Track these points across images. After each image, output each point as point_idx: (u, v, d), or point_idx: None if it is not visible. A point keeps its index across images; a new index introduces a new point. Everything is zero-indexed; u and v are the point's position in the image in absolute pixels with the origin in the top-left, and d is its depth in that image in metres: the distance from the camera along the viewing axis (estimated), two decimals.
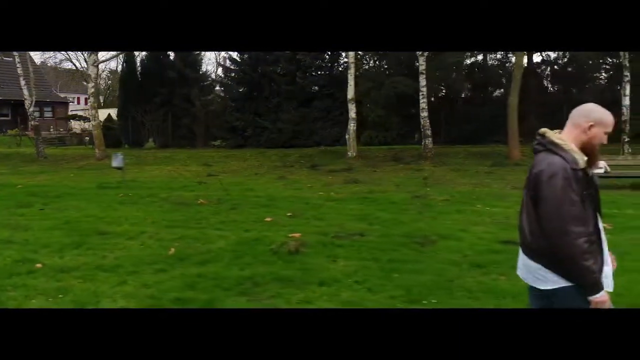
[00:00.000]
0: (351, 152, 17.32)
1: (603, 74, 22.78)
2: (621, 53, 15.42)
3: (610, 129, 2.20)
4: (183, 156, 20.11)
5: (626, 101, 15.29)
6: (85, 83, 50.32)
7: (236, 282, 4.49)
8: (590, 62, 22.79)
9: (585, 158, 2.14)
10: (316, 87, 22.56)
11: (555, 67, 23.44)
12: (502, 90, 25.48)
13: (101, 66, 53.69)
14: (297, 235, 6.24)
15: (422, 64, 16.58)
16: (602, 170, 9.51)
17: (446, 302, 3.96)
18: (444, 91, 23.11)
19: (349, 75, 17.32)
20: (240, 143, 23.20)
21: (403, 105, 21.37)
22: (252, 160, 18.51)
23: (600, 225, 2.22)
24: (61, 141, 31.27)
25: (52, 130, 34.53)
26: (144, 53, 26.12)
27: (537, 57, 23.27)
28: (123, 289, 4.38)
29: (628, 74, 15.28)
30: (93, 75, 19.36)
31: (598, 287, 2.10)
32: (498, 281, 4.45)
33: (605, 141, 2.20)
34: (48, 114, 35.50)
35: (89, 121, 26.88)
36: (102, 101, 53.04)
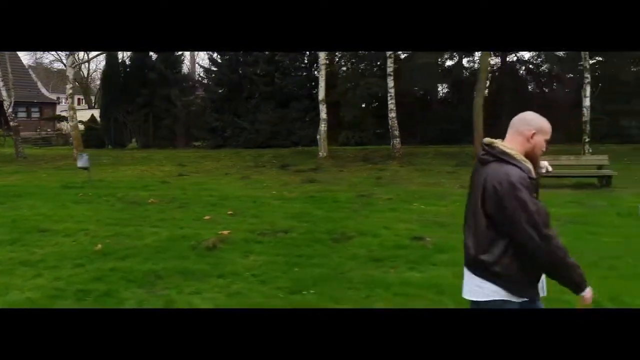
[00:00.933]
0: (322, 153, 17.64)
1: (576, 74, 23.08)
2: (582, 55, 15.73)
3: (549, 136, 2.24)
4: (160, 156, 20.39)
5: (587, 102, 15.60)
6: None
7: (142, 275, 4.80)
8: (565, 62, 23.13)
9: (531, 166, 2.17)
10: (295, 88, 22.81)
11: (530, 66, 23.77)
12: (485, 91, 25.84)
13: (92, 66, 54.21)
14: (226, 232, 6.55)
15: (390, 65, 16.89)
16: (543, 170, 9.83)
17: (325, 292, 4.28)
18: (420, 92, 23.38)
19: (320, 77, 17.62)
20: (220, 143, 23.49)
21: (378, 106, 21.66)
22: (226, 160, 18.80)
23: None
24: (47, 141, 31.49)
25: (39, 130, 34.75)
26: (126, 54, 26.44)
27: (511, 57, 23.57)
28: (35, 282, 4.69)
29: (589, 75, 15.61)
30: (71, 77, 19.61)
31: (586, 283, 2.12)
32: (387, 274, 4.77)
33: (545, 148, 2.25)
34: (35, 115, 35.70)
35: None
36: (93, 102, 53.27)
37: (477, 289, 2.19)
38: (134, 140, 26.76)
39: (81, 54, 36.49)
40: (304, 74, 22.65)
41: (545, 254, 2.04)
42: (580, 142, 15.60)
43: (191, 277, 4.72)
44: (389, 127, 17.30)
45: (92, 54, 34.01)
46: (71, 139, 30.30)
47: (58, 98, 51.06)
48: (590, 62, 15.59)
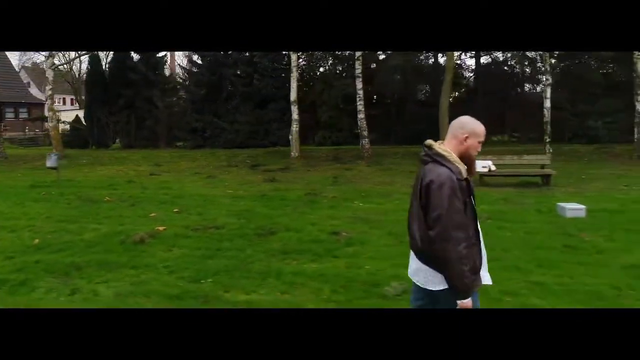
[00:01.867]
0: (294, 153, 18.02)
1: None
2: (542, 57, 16.12)
3: (482, 138, 2.38)
4: (139, 157, 20.75)
5: (547, 103, 16.00)
6: (68, 83, 50.69)
7: (63, 267, 5.18)
8: (539, 63, 23.55)
9: (464, 168, 2.31)
10: (273, 89, 23.18)
11: (505, 67, 24.19)
12: (459, 91, 26.28)
13: (84, 67, 54.52)
14: (161, 228, 6.95)
15: (357, 67, 17.26)
16: (486, 170, 10.27)
17: (221, 280, 4.67)
18: (396, 93, 23.78)
19: (291, 78, 18.01)
20: (200, 143, 23.86)
21: (355, 106, 22.04)
22: (202, 160, 19.17)
23: (479, 227, 2.43)
24: (33, 142, 31.83)
25: (27, 130, 35.09)
26: (109, 56, 26.77)
27: (486, 59, 23.99)
28: None
29: (549, 77, 16.00)
30: (50, 78, 19.96)
31: (468, 293, 2.26)
32: (287, 265, 5.16)
33: (479, 149, 2.40)
34: (23, 115, 36.02)
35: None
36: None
37: (430, 279, 2.36)
38: (117, 140, 27.13)
39: (70, 55, 36.94)
40: (282, 75, 22.99)
41: (441, 250, 2.21)
42: (542, 142, 16.00)
43: (106, 268, 5.10)
44: (358, 127, 17.66)
45: (74, 55, 34.41)
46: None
47: (52, 98, 51.43)
48: (552, 61, 15.92)
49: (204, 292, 4.35)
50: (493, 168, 10.32)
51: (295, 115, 18.07)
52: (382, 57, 24.17)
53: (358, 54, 17.21)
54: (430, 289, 2.37)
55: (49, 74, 19.95)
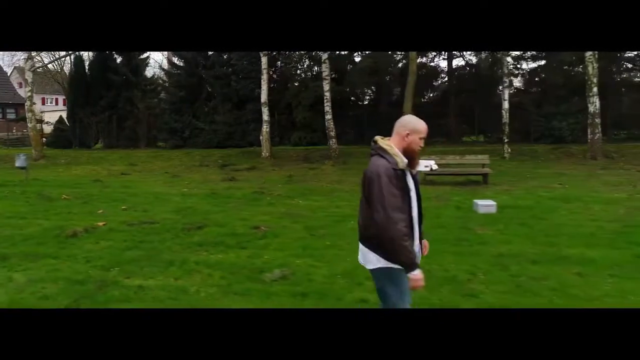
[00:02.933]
0: (265, 153, 18.52)
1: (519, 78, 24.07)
2: (503, 61, 16.65)
3: (423, 135, 2.60)
4: (116, 157, 21.24)
5: (505, 105, 16.53)
6: (59, 84, 51.04)
7: None
8: (511, 65, 24.08)
9: (406, 160, 2.56)
10: (252, 90, 23.64)
11: (474, 70, 24.73)
12: (434, 93, 26.82)
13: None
14: (101, 223, 7.46)
15: (324, 70, 17.76)
16: (427, 169, 10.80)
17: (127, 269, 5.17)
18: (371, 94, 24.32)
19: (262, 81, 18.50)
20: (180, 144, 24.35)
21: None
22: (176, 160, 19.68)
23: (415, 215, 2.62)
24: (20, 141, 32.27)
25: (15, 130, 35.53)
26: (91, 57, 27.22)
27: (459, 61, 24.52)
28: None
29: (507, 80, 16.54)
30: (30, 80, 20.43)
31: (415, 265, 2.49)
32: (194, 255, 5.65)
33: (422, 144, 2.61)
34: (11, 115, 36.50)
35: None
36: None
37: (370, 259, 2.59)
38: (100, 141, 27.60)
39: (58, 54, 37.27)
40: (260, 76, 23.45)
41: (385, 229, 2.43)
42: (501, 143, 16.51)
43: (30, 259, 5.59)
44: (326, 128, 18.16)
45: (60, 54, 34.75)
46: (43, 139, 31.24)
47: (43, 99, 51.92)
48: (513, 64, 16.44)
49: (106, 278, 4.85)
50: (435, 167, 10.83)
51: (265, 116, 18.59)
52: (358, 59, 24.70)
53: (325, 56, 17.72)
54: (369, 267, 2.63)
55: (28, 76, 20.41)
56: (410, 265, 2.47)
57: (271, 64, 24.83)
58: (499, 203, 8.13)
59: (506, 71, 16.61)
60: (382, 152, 2.56)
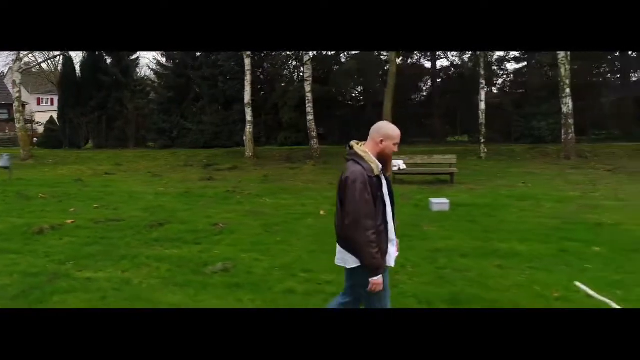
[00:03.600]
0: (248, 153, 18.83)
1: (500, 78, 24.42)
2: (480, 63, 16.97)
3: (397, 141, 2.73)
4: (104, 157, 21.53)
5: (482, 106, 16.86)
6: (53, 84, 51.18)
7: None
8: (494, 67, 24.43)
9: (380, 166, 2.68)
10: (237, 91, 23.95)
11: (458, 70, 25.05)
12: (418, 94, 27.13)
13: None
14: (69, 221, 7.76)
15: (306, 72, 18.08)
16: (396, 168, 11.11)
17: (83, 263, 5.47)
18: (356, 96, 24.66)
19: (245, 82, 18.80)
20: (168, 144, 24.67)
21: (315, 108, 22.85)
22: (162, 160, 19.97)
23: (389, 217, 2.76)
24: (12, 142, 32.52)
25: (7, 131, 35.80)
26: (82, 57, 27.49)
27: (444, 62, 24.83)
28: None
29: (483, 81, 16.87)
30: (18, 81, 20.70)
31: (377, 272, 2.63)
32: (149, 250, 5.94)
33: (396, 149, 2.75)
34: (4, 116, 36.75)
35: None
36: None
37: (347, 259, 2.72)
38: (90, 141, 27.89)
39: (51, 54, 37.48)
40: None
41: (353, 235, 2.58)
42: (478, 143, 16.83)
43: None
44: (307, 129, 18.47)
45: (49, 55, 34.97)
46: (35, 139, 31.48)
47: (39, 99, 52.20)
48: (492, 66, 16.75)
49: (59, 271, 5.15)
50: (403, 167, 11.15)
51: (249, 117, 18.90)
52: (344, 60, 25.02)
53: (306, 58, 18.03)
54: (346, 267, 2.78)
55: (17, 77, 20.69)
56: (374, 271, 2.63)
57: (258, 65, 25.20)
58: (458, 201, 8.45)
59: (482, 73, 16.91)
60: (358, 159, 2.66)
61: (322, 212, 8.07)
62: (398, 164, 11.06)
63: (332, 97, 24.34)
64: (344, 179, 2.64)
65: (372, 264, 2.60)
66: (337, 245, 2.78)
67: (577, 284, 4.39)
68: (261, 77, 25.37)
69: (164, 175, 14.81)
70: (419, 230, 6.69)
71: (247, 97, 18.83)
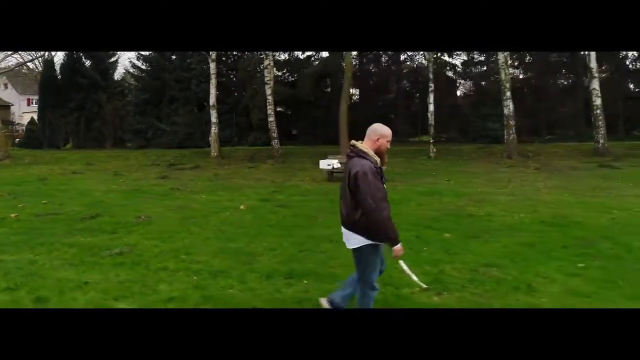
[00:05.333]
0: (214, 152, 19.70)
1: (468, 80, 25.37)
2: (429, 67, 17.90)
3: (389, 138, 3.26)
4: (78, 157, 22.37)
5: (431, 108, 17.79)
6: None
7: None
8: (459, 68, 25.40)
9: (379, 159, 3.20)
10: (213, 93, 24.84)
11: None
12: (384, 95, 28.06)
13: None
14: (13, 215, 8.64)
15: (267, 75, 18.97)
16: (330, 167, 12.01)
17: (3, 249, 6.35)
18: (324, 98, 25.59)
19: (210, 85, 19.70)
20: (143, 144, 25.57)
21: (284, 109, 23.78)
22: (133, 160, 20.82)
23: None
24: None
25: None
26: (61, 60, 28.32)
27: (407, 65, 25.77)
28: None
29: (432, 85, 17.80)
30: (1, 84, 21.54)
31: (397, 241, 3.16)
32: (72, 239, 6.80)
33: (388, 146, 3.26)
34: None
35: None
36: None
37: (353, 240, 3.22)
38: (70, 141, 28.75)
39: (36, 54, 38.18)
40: (219, 80, 24.69)
41: (375, 215, 3.05)
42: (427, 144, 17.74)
43: None
44: (269, 130, 19.36)
45: (34, 55, 35.73)
46: (16, 140, 32.24)
47: (28, 100, 52.91)
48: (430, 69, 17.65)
49: (37, 261, 5.82)
50: (337, 166, 12.02)
51: (214, 118, 19.78)
52: (316, 63, 25.97)
53: (266, 62, 18.93)
54: (350, 247, 3.28)
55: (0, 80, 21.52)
56: (395, 240, 3.15)
57: (231, 67, 26.13)
58: None
59: (431, 77, 17.86)
60: (363, 154, 3.17)
61: (242, 207, 8.97)
62: (332, 163, 11.94)
63: (302, 99, 25.27)
64: (355, 172, 3.11)
65: (395, 234, 3.14)
66: (343, 229, 3.31)
67: (400, 262, 5.30)
68: (234, 79, 26.26)
69: (125, 175, 15.67)
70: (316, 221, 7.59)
71: (212, 100, 19.73)
